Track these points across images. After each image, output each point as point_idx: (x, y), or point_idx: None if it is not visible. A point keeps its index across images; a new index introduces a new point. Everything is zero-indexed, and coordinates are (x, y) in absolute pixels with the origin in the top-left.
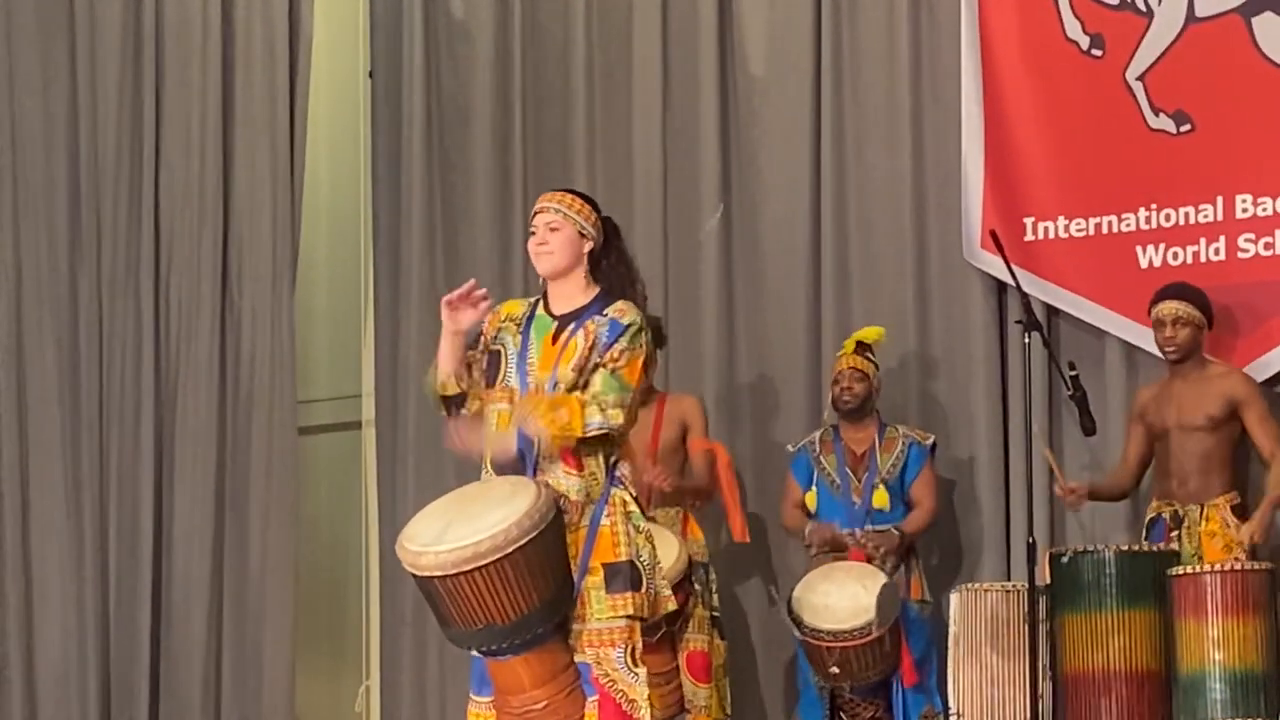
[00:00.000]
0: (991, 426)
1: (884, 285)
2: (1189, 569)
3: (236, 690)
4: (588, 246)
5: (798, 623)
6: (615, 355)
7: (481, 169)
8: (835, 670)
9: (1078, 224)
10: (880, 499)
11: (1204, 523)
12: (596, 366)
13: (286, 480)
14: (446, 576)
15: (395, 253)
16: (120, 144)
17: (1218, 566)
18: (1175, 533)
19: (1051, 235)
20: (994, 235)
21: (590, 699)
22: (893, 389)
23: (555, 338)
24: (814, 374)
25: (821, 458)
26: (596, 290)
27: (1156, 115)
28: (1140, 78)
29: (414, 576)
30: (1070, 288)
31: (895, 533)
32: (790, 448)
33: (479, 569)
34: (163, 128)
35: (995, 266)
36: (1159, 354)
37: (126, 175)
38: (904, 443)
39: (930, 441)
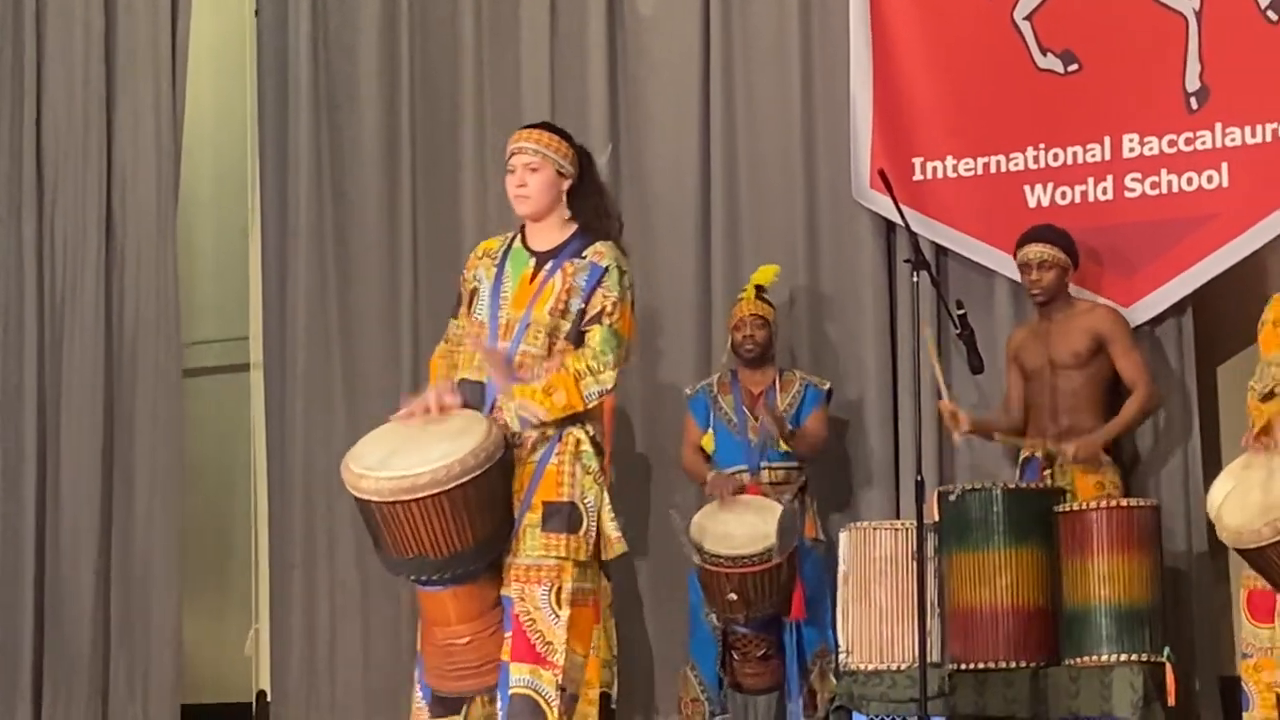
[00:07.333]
0: (880, 365)
1: (773, 224)
2: (1075, 506)
3: (123, 634)
4: (566, 184)
5: (698, 549)
6: (609, 308)
7: (368, 106)
8: (733, 597)
9: (966, 164)
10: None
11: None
12: (582, 314)
13: (173, 422)
14: (383, 503)
15: (282, 191)
16: (0, 79)
17: (1104, 503)
18: (1048, 471)
19: (940, 175)
20: (882, 175)
21: (506, 635)
22: (782, 328)
23: (534, 276)
24: (704, 313)
25: (719, 398)
26: (574, 226)
27: (1044, 55)
28: (1028, 17)
29: (353, 497)
30: (959, 227)
31: (801, 476)
32: (687, 390)
33: (415, 500)
34: (44, 64)
35: (884, 206)
36: None
37: (7, 112)
38: (801, 384)
39: (827, 387)
